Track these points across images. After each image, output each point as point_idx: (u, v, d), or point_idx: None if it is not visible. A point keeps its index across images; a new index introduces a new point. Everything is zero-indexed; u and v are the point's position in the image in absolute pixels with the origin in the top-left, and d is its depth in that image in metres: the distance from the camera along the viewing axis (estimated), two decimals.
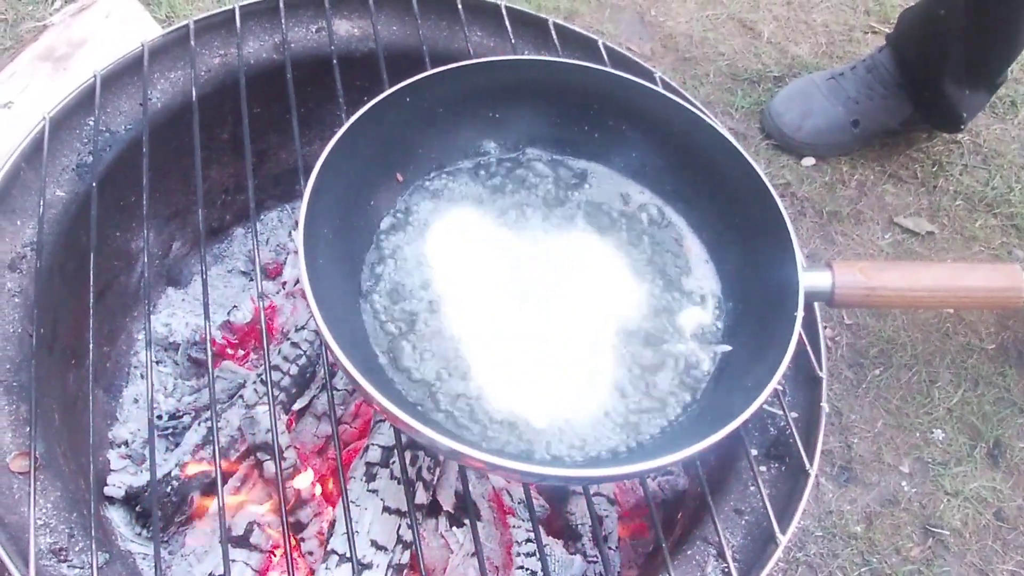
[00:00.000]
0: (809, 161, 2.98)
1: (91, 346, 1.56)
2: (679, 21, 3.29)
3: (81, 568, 1.39)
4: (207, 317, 1.58)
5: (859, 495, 2.41)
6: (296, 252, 1.40)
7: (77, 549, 1.41)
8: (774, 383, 1.31)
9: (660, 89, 1.64)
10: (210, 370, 1.53)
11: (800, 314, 1.38)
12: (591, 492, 1.85)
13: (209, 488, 1.80)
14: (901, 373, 2.61)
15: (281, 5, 1.96)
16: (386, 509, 1.63)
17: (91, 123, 1.79)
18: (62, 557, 1.40)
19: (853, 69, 3.00)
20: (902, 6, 3.29)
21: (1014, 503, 2.44)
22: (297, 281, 2.05)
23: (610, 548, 1.83)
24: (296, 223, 1.38)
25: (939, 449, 2.51)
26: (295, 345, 1.89)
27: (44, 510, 1.43)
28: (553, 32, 1.97)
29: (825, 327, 2.49)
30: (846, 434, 2.49)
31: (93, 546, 1.38)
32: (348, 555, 1.40)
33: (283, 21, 1.95)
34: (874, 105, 2.96)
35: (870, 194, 2.95)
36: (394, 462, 1.66)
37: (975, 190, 3.00)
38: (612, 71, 1.66)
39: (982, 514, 2.42)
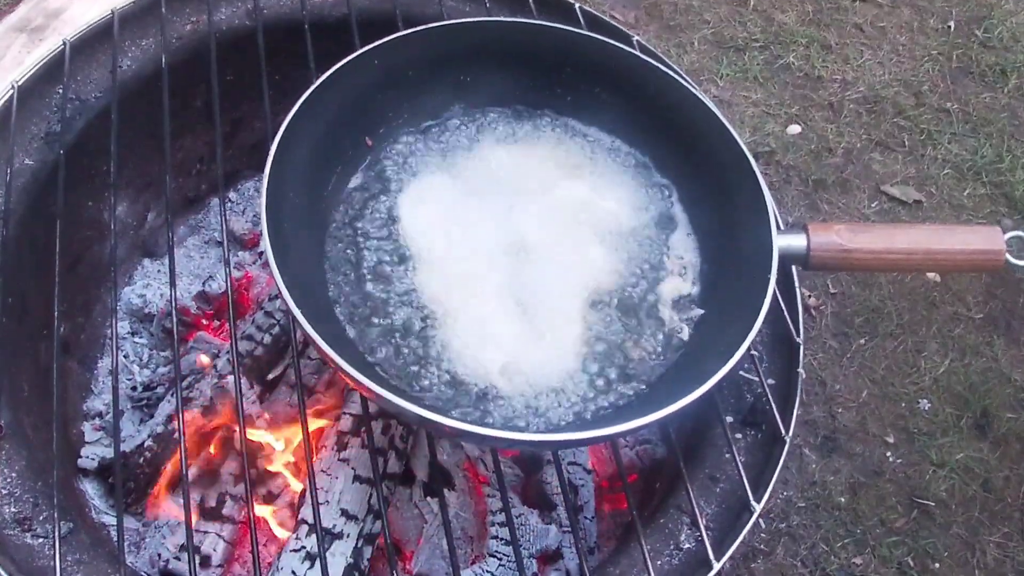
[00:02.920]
0: (794, 129, 2.96)
1: (56, 315, 1.54)
2: None
3: (45, 537, 1.37)
4: (173, 285, 1.55)
5: (843, 466, 2.40)
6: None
7: (41, 518, 1.39)
8: (746, 346, 1.29)
9: (632, 50, 1.61)
10: (175, 342, 1.51)
11: (774, 276, 1.36)
12: (567, 462, 1.83)
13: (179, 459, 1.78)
14: (887, 342, 2.59)
15: None
16: (357, 478, 1.61)
17: (60, 91, 1.76)
18: (26, 526, 1.38)
19: None
20: None
21: (1001, 474, 2.43)
22: None
23: (586, 518, 1.81)
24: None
25: (925, 419, 2.49)
26: (269, 315, 1.87)
27: (9, 479, 1.42)
28: None
29: (809, 296, 2.49)
30: (830, 404, 2.47)
31: (55, 515, 1.36)
32: (315, 525, 1.38)
33: None
34: None
35: (857, 162, 2.93)
36: (365, 431, 1.64)
37: (964, 158, 2.98)
38: (585, 32, 1.64)
39: (968, 485, 2.41)
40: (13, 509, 1.39)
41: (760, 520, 2.27)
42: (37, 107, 1.76)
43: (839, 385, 2.51)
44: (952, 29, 3.32)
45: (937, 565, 2.29)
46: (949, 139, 3.02)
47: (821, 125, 2.98)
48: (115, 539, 1.69)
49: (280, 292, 1.24)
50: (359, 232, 1.48)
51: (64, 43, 1.79)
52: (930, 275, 2.71)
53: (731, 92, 3.01)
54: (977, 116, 3.10)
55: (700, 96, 1.55)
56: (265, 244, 1.28)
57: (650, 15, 3.18)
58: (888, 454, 2.43)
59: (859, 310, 2.63)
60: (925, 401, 2.52)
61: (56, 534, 1.34)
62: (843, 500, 2.35)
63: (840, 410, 2.47)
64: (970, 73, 3.22)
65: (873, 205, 2.84)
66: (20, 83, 1.73)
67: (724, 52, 3.12)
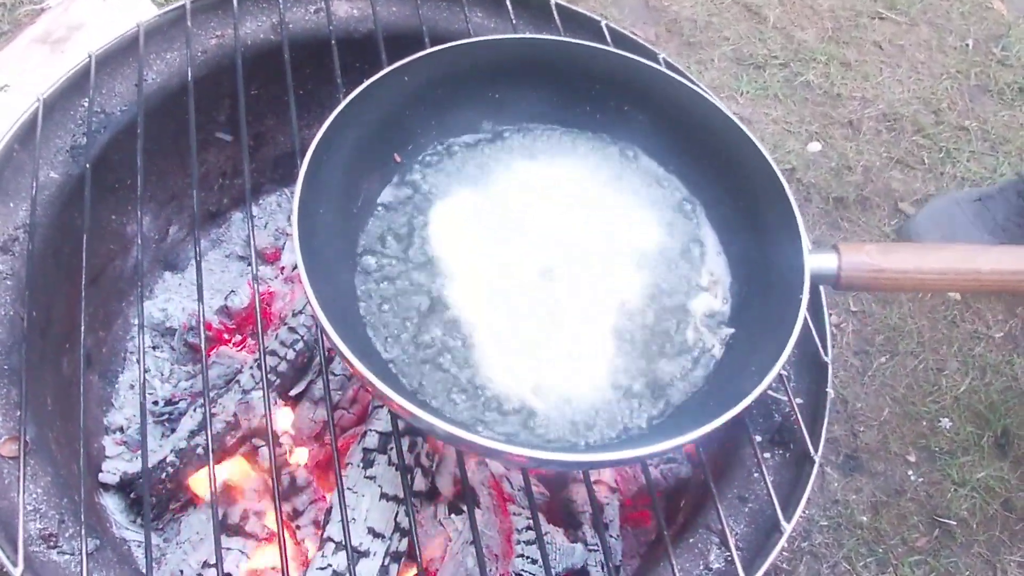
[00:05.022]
0: (815, 147, 2.95)
1: (83, 329, 1.53)
2: (684, 5, 3.26)
3: (71, 554, 1.37)
4: (200, 301, 1.55)
5: (865, 484, 2.39)
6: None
7: (68, 535, 1.39)
8: (778, 367, 1.28)
9: (663, 69, 1.61)
10: (204, 357, 1.50)
11: (805, 297, 1.35)
12: (592, 479, 1.82)
13: (204, 475, 1.77)
14: (908, 361, 2.58)
15: None
16: (384, 496, 1.61)
17: (85, 104, 1.76)
18: (52, 543, 1.37)
19: (1002, 191, 2.75)
20: None
21: (1022, 493, 2.42)
22: (295, 266, 2.02)
23: (612, 536, 1.80)
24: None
25: (946, 438, 2.48)
26: (292, 330, 1.86)
27: (34, 495, 1.41)
28: (555, 13, 1.94)
29: (831, 314, 2.47)
30: (852, 422, 2.46)
31: (83, 532, 1.35)
32: (344, 542, 1.37)
33: (280, 1, 1.91)
34: (1023, 234, 2.71)
35: (876, 180, 2.92)
36: (392, 448, 1.64)
37: (983, 176, 2.97)
38: (614, 50, 1.63)
39: (989, 504, 2.40)
40: (39, 525, 1.39)
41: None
42: (62, 120, 1.76)
43: (861, 403, 2.49)
44: (970, 47, 3.32)
45: None
46: (968, 157, 3.02)
47: (841, 143, 2.98)
48: (138, 555, 1.69)
49: (314, 310, 1.23)
50: (388, 249, 1.47)
51: (89, 56, 1.79)
52: (951, 293, 2.70)
53: (751, 109, 3.01)
54: (995, 134, 3.09)
55: (729, 115, 1.55)
56: (299, 262, 1.27)
57: (670, 32, 3.18)
58: (910, 473, 2.42)
59: (880, 328, 2.62)
60: (946, 420, 2.50)
61: (84, 552, 1.34)
62: (865, 519, 2.33)
63: (862, 428, 2.46)
64: (988, 91, 3.21)
65: (893, 223, 2.83)
66: (45, 96, 1.73)
67: (744, 69, 3.12)
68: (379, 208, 1.52)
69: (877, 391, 2.52)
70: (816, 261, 1.42)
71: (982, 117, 3.13)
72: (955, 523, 2.36)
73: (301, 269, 1.26)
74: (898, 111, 3.08)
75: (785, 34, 3.23)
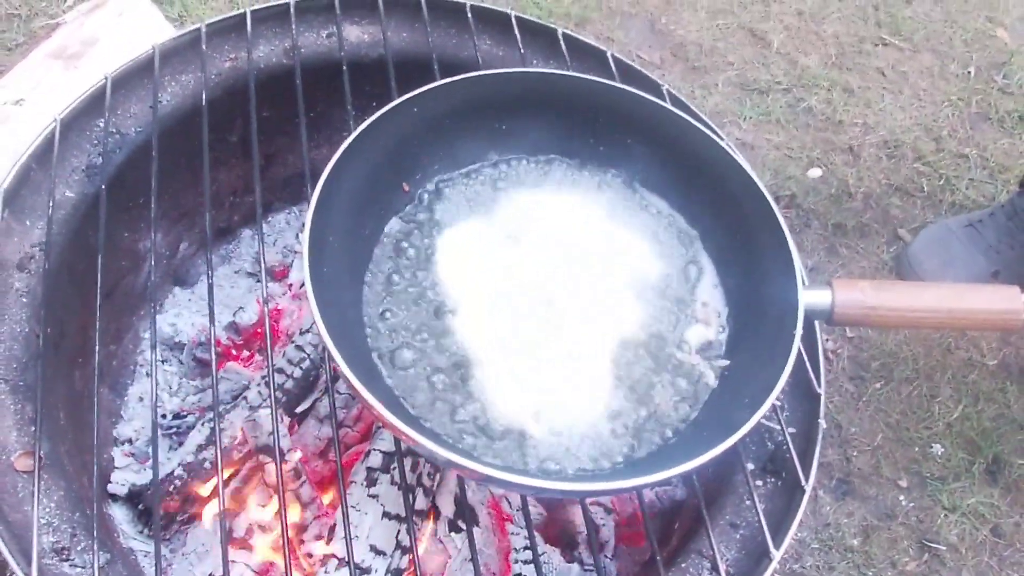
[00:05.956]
0: (815, 173, 2.99)
1: (97, 346, 1.58)
2: (689, 30, 3.30)
3: (83, 567, 1.41)
4: (212, 321, 1.59)
5: (857, 508, 2.43)
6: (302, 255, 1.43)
7: (79, 548, 1.43)
8: (771, 400, 1.32)
9: (666, 104, 1.65)
10: (214, 373, 1.54)
11: (799, 332, 1.39)
12: (588, 501, 1.87)
13: (211, 489, 1.81)
14: (902, 387, 2.62)
15: (292, 10, 1.97)
16: (386, 514, 1.65)
17: (101, 125, 1.80)
18: (64, 556, 1.41)
19: (992, 216, 2.84)
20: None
21: (1011, 519, 2.45)
22: (303, 284, 2.06)
23: (607, 557, 1.84)
24: (302, 228, 1.39)
25: (938, 464, 2.52)
26: (299, 348, 1.91)
27: (47, 509, 1.45)
28: (562, 42, 1.98)
29: (827, 339, 2.52)
30: (845, 447, 2.50)
31: (95, 546, 1.40)
32: (347, 559, 1.42)
33: (293, 26, 1.96)
34: (1015, 254, 2.80)
35: (876, 207, 2.96)
36: (395, 468, 1.68)
37: (981, 204, 3.01)
38: (618, 85, 1.68)
39: (979, 530, 2.43)
40: (52, 539, 1.43)
41: None
42: (78, 140, 1.80)
43: (855, 428, 2.54)
44: (972, 75, 3.36)
45: None
46: (967, 185, 3.06)
47: (842, 169, 3.02)
48: (144, 565, 1.73)
49: (321, 336, 1.28)
50: (395, 276, 1.52)
51: (106, 78, 1.83)
52: None
53: (754, 135, 3.05)
54: (995, 162, 3.13)
55: (729, 149, 1.59)
56: (308, 288, 1.32)
57: (675, 56, 3.22)
58: (901, 498, 2.46)
59: (875, 355, 2.66)
60: (938, 446, 2.54)
61: (95, 565, 1.38)
62: (856, 542, 2.37)
63: (855, 453, 2.50)
64: (989, 119, 3.25)
65: (892, 250, 2.87)
66: (62, 116, 1.78)
67: (748, 94, 3.16)
68: (386, 236, 1.56)
69: (871, 416, 2.56)
70: (810, 297, 1.46)
71: (982, 145, 3.17)
72: (945, 548, 2.40)
73: (310, 294, 1.31)
74: (899, 138, 3.12)
75: (789, 59, 3.28)
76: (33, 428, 1.50)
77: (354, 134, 1.48)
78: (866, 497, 2.44)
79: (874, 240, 2.88)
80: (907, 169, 3.06)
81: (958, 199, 3.01)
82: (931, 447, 2.54)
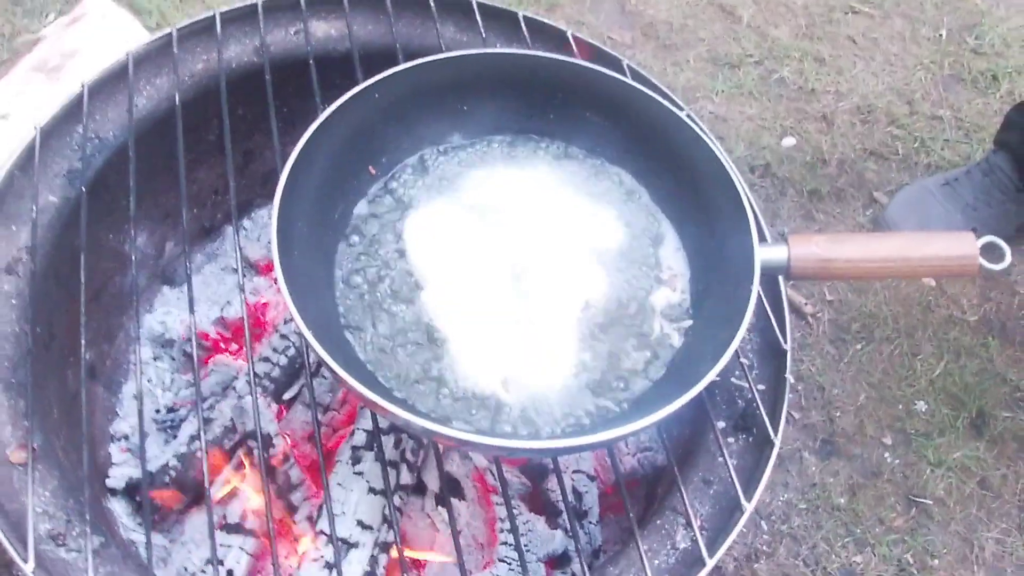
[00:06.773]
0: (789, 142, 3.04)
1: (83, 343, 1.63)
2: (659, 9, 3.35)
3: (78, 551, 1.46)
4: (192, 312, 1.64)
5: (842, 468, 2.47)
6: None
7: (74, 534, 1.48)
8: (730, 352, 1.37)
9: (615, 74, 1.69)
10: (195, 367, 1.60)
11: (755, 286, 1.44)
12: (572, 470, 1.92)
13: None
14: (883, 347, 2.66)
15: (260, 9, 2.02)
16: (371, 490, 1.70)
17: (80, 131, 1.86)
18: (60, 542, 1.47)
19: (968, 173, 2.89)
20: None
21: (998, 472, 2.49)
22: None
23: (591, 523, 1.89)
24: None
25: (922, 420, 2.56)
26: (284, 337, 1.96)
27: (43, 498, 1.51)
28: (523, 25, 2.03)
29: (806, 303, 2.57)
30: (828, 408, 2.55)
31: (88, 530, 1.45)
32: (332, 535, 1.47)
33: (261, 24, 2.01)
34: (992, 212, 2.85)
35: (851, 172, 3.00)
36: (378, 445, 1.73)
37: (957, 164, 3.04)
38: (571, 60, 1.73)
39: (966, 483, 2.47)
40: (48, 526, 1.48)
41: (762, 522, 2.35)
42: (58, 147, 1.85)
43: (837, 390, 2.58)
44: (944, 37, 3.40)
45: (936, 562, 2.36)
46: (942, 146, 3.10)
47: (815, 137, 3.06)
48: (144, 555, 1.79)
49: (294, 318, 1.33)
50: (365, 257, 1.57)
51: (83, 85, 1.88)
52: (925, 280, 2.78)
53: (726, 108, 3.10)
54: (970, 122, 3.17)
55: (680, 114, 1.63)
56: (278, 273, 1.37)
57: (646, 35, 3.27)
58: (886, 455, 2.50)
59: (855, 316, 2.70)
60: (922, 403, 2.59)
61: (88, 548, 1.44)
62: (843, 501, 2.42)
63: (838, 414, 2.54)
64: (962, 80, 3.29)
65: (868, 213, 2.92)
66: (42, 125, 1.83)
67: (719, 69, 3.20)
68: (356, 219, 1.62)
69: (853, 377, 2.60)
70: (766, 253, 1.51)
71: (956, 106, 3.21)
72: (932, 502, 2.44)
73: (280, 278, 1.36)
74: (872, 103, 3.17)
75: (759, 32, 3.32)
76: (26, 423, 1.56)
77: (317, 122, 1.53)
78: (851, 456, 2.49)
79: (850, 204, 2.93)
80: (881, 133, 3.10)
81: (933, 160, 3.05)
82: (914, 404, 2.58)
